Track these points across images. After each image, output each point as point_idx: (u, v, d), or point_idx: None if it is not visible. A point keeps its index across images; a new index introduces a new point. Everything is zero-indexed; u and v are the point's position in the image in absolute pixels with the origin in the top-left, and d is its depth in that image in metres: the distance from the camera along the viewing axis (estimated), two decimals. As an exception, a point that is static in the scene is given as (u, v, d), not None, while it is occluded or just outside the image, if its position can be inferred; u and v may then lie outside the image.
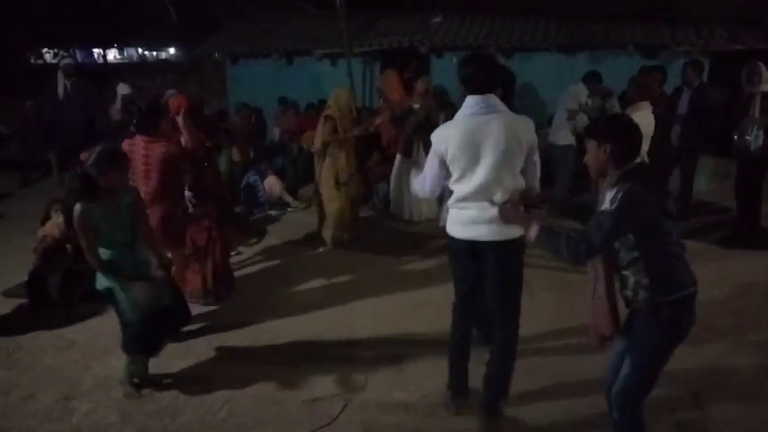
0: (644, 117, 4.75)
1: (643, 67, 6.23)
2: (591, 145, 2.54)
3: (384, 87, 8.06)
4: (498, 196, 2.86)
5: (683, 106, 6.32)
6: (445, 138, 2.96)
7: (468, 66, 2.97)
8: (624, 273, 2.53)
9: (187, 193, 4.66)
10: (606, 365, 2.81)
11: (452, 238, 3.12)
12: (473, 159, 2.90)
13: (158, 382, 3.73)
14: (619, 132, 2.50)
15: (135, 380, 3.66)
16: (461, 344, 3.36)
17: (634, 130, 2.52)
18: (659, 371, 2.61)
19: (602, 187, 2.62)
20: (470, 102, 2.95)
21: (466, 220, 3.02)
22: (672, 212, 2.49)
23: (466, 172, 2.94)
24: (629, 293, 2.54)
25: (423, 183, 3.18)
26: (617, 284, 2.60)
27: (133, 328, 3.48)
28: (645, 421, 2.70)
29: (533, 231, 2.57)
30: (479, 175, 2.90)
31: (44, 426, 3.38)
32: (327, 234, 6.16)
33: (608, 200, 2.40)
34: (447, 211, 3.21)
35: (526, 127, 3.00)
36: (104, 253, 3.40)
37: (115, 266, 3.41)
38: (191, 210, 4.69)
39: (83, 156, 3.42)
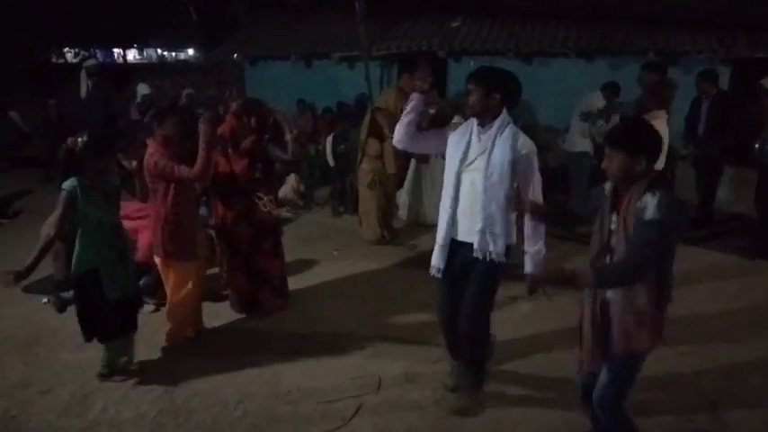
0: (661, 126, 4.70)
1: (646, 64, 5.96)
2: (619, 155, 2.41)
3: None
4: None
5: (702, 117, 6.27)
6: None
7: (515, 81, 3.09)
8: None
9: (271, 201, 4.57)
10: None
11: None
12: None
13: (134, 371, 3.87)
14: (652, 143, 2.43)
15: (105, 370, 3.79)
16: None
17: (660, 138, 2.48)
18: (633, 378, 2.64)
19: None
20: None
21: None
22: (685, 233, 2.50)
23: None
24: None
25: None
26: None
27: (104, 313, 3.58)
28: (630, 418, 2.71)
29: (585, 280, 2.46)
30: None
31: (61, 420, 3.42)
32: (365, 232, 6.31)
33: (650, 208, 2.29)
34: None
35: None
36: (92, 234, 3.50)
37: (101, 248, 3.52)
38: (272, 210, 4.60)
39: (69, 141, 3.46)
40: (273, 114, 4.66)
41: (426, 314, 4.65)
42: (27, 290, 5.10)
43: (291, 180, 7.79)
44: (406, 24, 10.21)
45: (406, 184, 6.92)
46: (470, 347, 3.37)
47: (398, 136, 3.26)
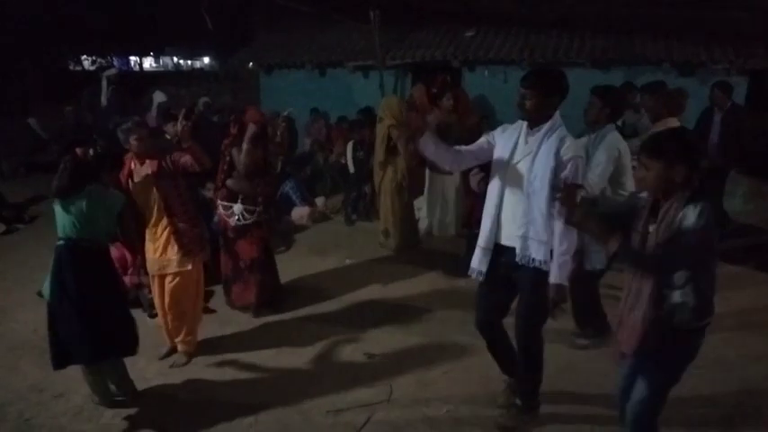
0: None
1: (644, 86, 5.67)
2: (656, 165, 2.31)
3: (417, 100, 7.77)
4: None
5: (715, 128, 6.20)
6: None
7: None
8: (666, 291, 2.39)
9: (238, 207, 4.71)
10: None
11: None
12: None
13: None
14: (692, 151, 2.33)
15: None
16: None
17: (700, 145, 2.41)
18: (665, 389, 2.59)
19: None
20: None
21: None
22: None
23: None
24: (664, 313, 2.40)
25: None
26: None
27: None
28: None
29: (613, 244, 2.37)
30: None
31: (73, 425, 3.45)
32: (390, 241, 6.30)
33: (691, 217, 2.23)
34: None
35: None
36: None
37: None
38: (242, 222, 4.74)
39: (79, 151, 3.47)
40: (270, 124, 4.82)
41: (439, 321, 4.65)
42: (41, 294, 5.14)
43: (304, 210, 7.66)
44: (420, 34, 10.23)
45: (425, 196, 6.81)
46: (524, 362, 3.24)
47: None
